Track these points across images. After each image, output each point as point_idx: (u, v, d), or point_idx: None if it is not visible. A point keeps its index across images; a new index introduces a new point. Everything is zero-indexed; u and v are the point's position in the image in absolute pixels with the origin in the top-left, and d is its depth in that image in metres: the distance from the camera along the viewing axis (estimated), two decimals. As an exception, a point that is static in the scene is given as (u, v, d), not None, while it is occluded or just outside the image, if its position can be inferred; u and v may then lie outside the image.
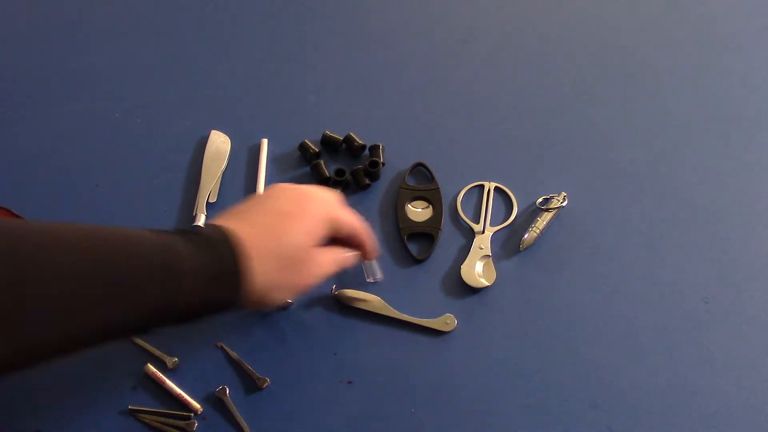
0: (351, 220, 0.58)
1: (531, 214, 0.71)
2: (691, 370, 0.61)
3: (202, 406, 0.59)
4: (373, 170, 0.72)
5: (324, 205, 0.56)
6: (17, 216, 0.66)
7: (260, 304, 0.52)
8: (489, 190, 0.73)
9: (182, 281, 0.46)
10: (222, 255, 0.48)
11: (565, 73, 0.84)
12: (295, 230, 0.52)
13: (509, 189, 0.72)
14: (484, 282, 0.66)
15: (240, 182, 0.73)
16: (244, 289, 0.49)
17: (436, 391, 0.60)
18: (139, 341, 0.62)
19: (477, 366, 0.62)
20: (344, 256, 0.59)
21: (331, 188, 0.61)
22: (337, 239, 0.57)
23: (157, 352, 0.61)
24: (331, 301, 0.65)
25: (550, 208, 0.69)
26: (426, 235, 0.69)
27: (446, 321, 0.64)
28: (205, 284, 0.47)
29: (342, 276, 0.66)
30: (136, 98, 0.80)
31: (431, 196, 0.71)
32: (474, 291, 0.66)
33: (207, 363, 0.62)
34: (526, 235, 0.68)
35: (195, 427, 0.58)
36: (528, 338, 0.63)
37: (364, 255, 0.61)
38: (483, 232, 0.69)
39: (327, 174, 0.72)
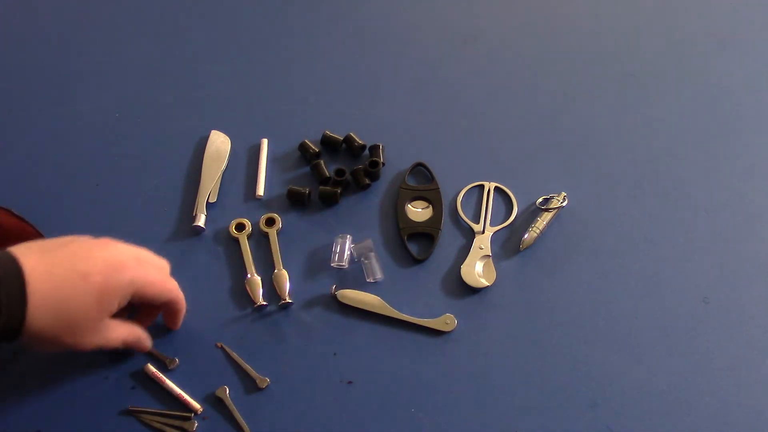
0: (161, 291, 0.56)
1: (531, 214, 0.71)
2: (691, 370, 0.61)
3: (202, 406, 0.59)
4: (373, 170, 0.72)
5: (132, 274, 0.53)
6: (17, 216, 0.66)
7: (30, 348, 0.51)
8: (489, 190, 0.73)
9: None
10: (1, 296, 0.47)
11: (565, 74, 0.84)
12: (87, 298, 0.50)
13: (509, 189, 0.72)
14: (484, 282, 0.66)
15: (240, 182, 0.73)
16: (18, 329, 0.48)
17: (436, 391, 0.60)
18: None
19: (477, 366, 0.62)
20: (134, 337, 0.58)
21: (161, 258, 0.59)
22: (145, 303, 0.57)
23: (158, 354, 0.61)
24: (331, 301, 0.65)
25: (550, 208, 0.69)
26: (426, 235, 0.69)
27: (446, 321, 0.63)
28: None
29: (342, 276, 0.66)
30: (136, 98, 0.80)
31: (431, 196, 0.71)
32: (474, 291, 0.66)
33: (207, 363, 0.62)
34: (526, 235, 0.68)
35: (195, 427, 0.58)
36: (528, 338, 0.63)
37: (169, 325, 0.61)
38: (483, 232, 0.69)
39: (327, 174, 0.72)
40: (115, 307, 0.53)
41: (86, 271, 0.50)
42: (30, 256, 0.49)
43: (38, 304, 0.48)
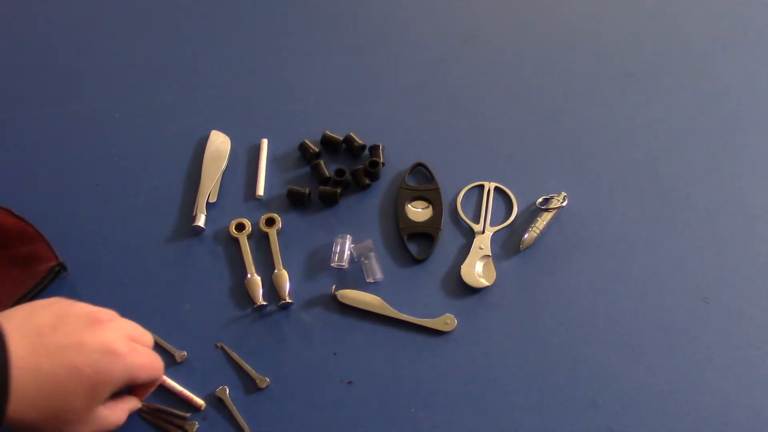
0: (150, 373, 0.54)
1: (531, 214, 0.71)
2: (691, 370, 0.61)
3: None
4: (373, 170, 0.72)
5: (126, 362, 0.51)
6: (17, 216, 0.66)
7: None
8: (489, 190, 0.73)
9: None
10: None
11: (565, 73, 0.84)
12: (76, 393, 0.48)
13: (509, 189, 0.72)
14: (484, 282, 0.66)
15: (240, 182, 0.73)
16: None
17: (436, 391, 0.60)
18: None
19: (477, 366, 0.62)
20: (135, 405, 0.56)
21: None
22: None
23: (167, 346, 0.62)
24: (331, 301, 0.65)
25: (550, 208, 0.69)
26: (426, 235, 0.69)
27: (446, 321, 0.64)
28: None
29: (342, 276, 0.66)
30: (136, 98, 0.80)
31: (431, 196, 0.71)
32: (474, 291, 0.66)
33: (207, 363, 0.62)
34: (526, 235, 0.68)
35: (195, 428, 0.58)
36: (528, 338, 0.63)
37: (137, 395, 0.57)
38: (483, 232, 0.69)
39: (327, 174, 0.72)
40: (108, 396, 0.51)
41: (77, 365, 0.48)
42: (21, 341, 0.47)
43: (21, 399, 0.46)
